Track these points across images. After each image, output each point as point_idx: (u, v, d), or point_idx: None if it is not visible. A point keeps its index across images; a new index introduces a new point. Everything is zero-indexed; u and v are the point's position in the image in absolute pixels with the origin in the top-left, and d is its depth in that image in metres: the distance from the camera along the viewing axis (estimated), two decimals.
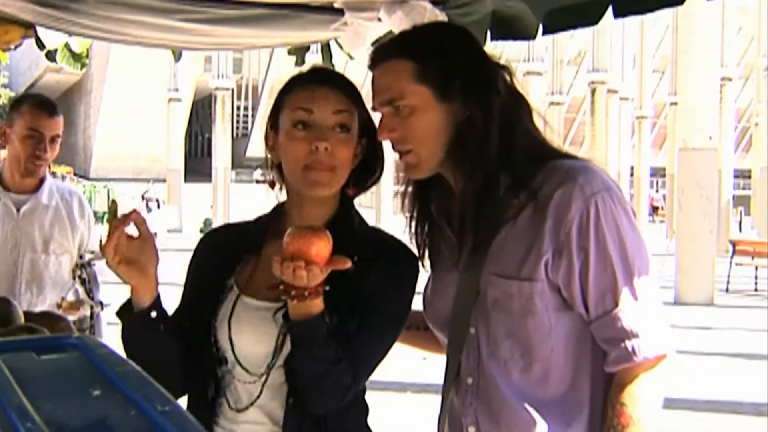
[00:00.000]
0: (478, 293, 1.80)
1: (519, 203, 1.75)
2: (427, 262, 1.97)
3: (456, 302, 1.87)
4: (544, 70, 27.38)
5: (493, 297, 1.78)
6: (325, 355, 1.76)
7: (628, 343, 1.70)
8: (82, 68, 4.50)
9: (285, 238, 1.69)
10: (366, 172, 1.99)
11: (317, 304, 1.72)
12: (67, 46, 4.35)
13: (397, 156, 1.87)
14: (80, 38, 4.21)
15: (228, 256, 1.97)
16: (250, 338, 1.86)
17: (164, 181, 27.65)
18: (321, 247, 1.67)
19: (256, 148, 49.16)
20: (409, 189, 1.96)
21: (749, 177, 29.71)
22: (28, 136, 3.29)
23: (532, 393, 1.78)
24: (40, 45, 4.10)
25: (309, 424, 1.84)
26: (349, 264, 1.70)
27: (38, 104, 3.36)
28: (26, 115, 3.31)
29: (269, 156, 1.95)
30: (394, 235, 1.99)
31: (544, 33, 2.86)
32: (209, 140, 37.97)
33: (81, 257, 3.15)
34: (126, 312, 1.85)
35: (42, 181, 3.47)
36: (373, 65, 1.88)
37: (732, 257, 16.83)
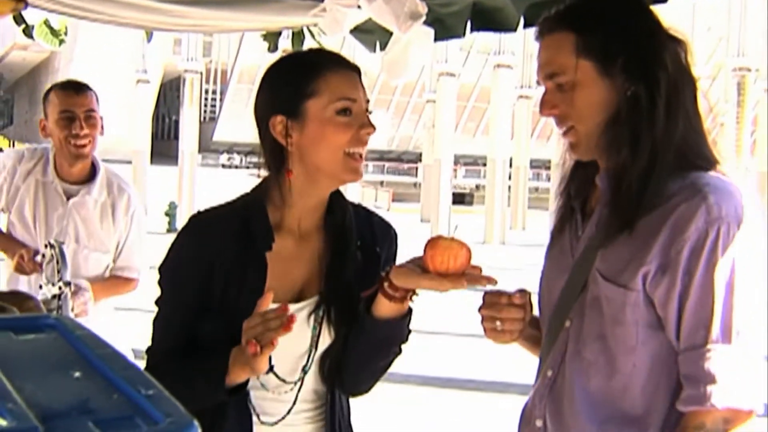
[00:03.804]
0: (584, 286, 1.72)
1: (646, 205, 1.64)
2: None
3: (564, 290, 1.79)
4: (515, 64, 27.40)
5: (593, 294, 1.70)
6: (400, 349, 1.89)
7: (703, 387, 1.57)
8: (60, 44, 4.46)
9: (451, 251, 1.67)
10: None
11: (407, 303, 1.80)
12: (46, 22, 4.31)
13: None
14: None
15: (234, 256, 1.84)
16: (284, 343, 1.71)
17: (129, 162, 27.43)
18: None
19: (224, 132, 48.89)
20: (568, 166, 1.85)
21: None
22: (61, 119, 3.32)
23: (605, 406, 1.70)
24: (19, 20, 4.04)
25: (343, 418, 1.96)
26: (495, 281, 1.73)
27: (64, 86, 3.41)
28: (54, 100, 3.35)
29: (285, 144, 1.83)
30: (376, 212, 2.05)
31: (525, 26, 2.86)
32: (176, 123, 37.75)
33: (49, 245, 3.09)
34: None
35: (95, 171, 3.47)
36: (539, 36, 1.79)
37: None
